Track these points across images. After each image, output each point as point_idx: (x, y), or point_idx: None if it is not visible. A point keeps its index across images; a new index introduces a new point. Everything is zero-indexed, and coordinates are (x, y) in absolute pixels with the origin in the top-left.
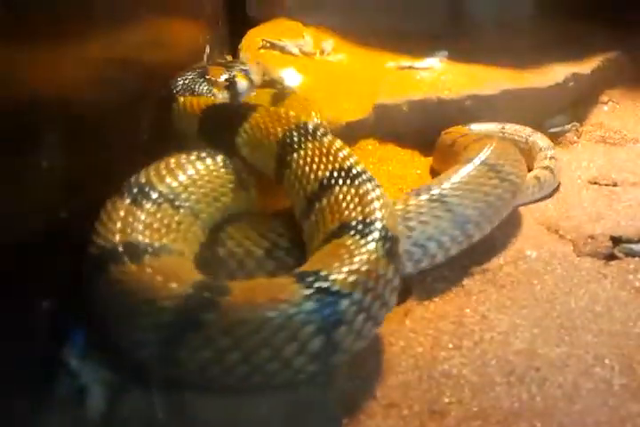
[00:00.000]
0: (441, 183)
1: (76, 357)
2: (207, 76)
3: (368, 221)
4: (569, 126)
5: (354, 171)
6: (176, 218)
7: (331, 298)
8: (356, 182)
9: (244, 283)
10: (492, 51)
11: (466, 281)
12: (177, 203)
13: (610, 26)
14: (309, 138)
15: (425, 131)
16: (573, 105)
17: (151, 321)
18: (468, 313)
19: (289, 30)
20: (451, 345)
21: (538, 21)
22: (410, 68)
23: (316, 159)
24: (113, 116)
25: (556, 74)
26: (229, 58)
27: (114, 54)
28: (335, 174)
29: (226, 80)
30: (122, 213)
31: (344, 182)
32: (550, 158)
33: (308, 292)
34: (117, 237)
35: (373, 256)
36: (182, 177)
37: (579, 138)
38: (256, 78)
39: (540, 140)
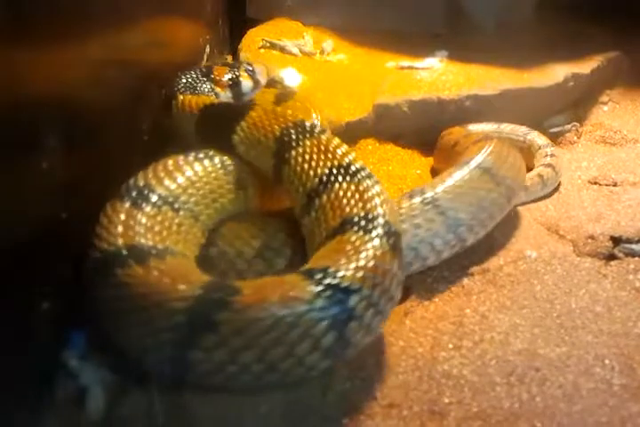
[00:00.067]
0: (434, 186)
1: (75, 358)
2: (211, 76)
3: (370, 216)
4: (569, 126)
5: (353, 167)
6: (176, 220)
7: (341, 294)
8: (356, 179)
9: (252, 282)
10: (492, 51)
11: (466, 281)
12: (176, 205)
13: (610, 26)
14: (307, 135)
15: (425, 131)
16: (573, 105)
17: (163, 323)
18: (468, 313)
19: (289, 30)
20: (451, 345)
21: (538, 21)
22: (410, 67)
23: (315, 156)
24: (113, 116)
25: (555, 74)
26: (229, 58)
27: (114, 54)
28: (334, 171)
29: (229, 80)
30: (122, 217)
31: (344, 179)
32: (551, 156)
33: (319, 289)
34: (120, 241)
35: (379, 252)
36: (181, 179)
37: (579, 138)
38: (261, 79)
39: (538, 138)
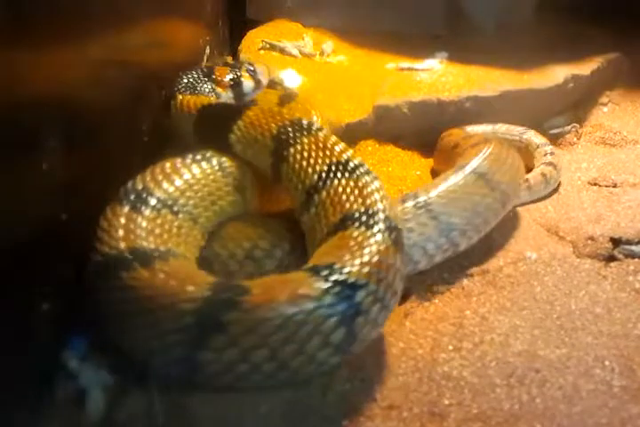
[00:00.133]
0: (428, 191)
1: (75, 358)
2: (213, 76)
3: (371, 211)
4: (569, 128)
5: (351, 164)
6: (176, 223)
7: (349, 290)
8: (355, 175)
9: (260, 281)
10: (492, 52)
11: (466, 282)
12: (175, 208)
13: (610, 27)
14: (304, 133)
15: (425, 132)
16: (573, 106)
17: (172, 325)
18: (468, 315)
19: (289, 32)
20: (451, 347)
21: (538, 23)
22: (410, 69)
23: (313, 153)
24: (113, 116)
25: (555, 75)
26: (229, 59)
27: (114, 55)
28: (333, 167)
29: (231, 80)
30: (123, 221)
31: (343, 175)
32: (551, 154)
33: (327, 285)
34: (123, 244)
35: (382, 247)
36: (179, 182)
37: (578, 139)
38: (263, 79)
39: (534, 137)
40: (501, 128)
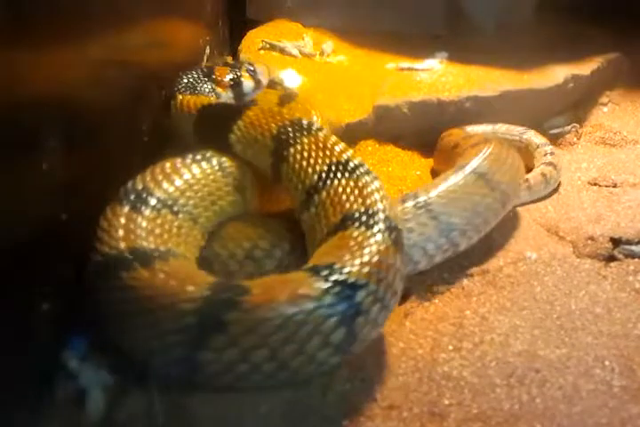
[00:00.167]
0: (428, 191)
1: (75, 358)
2: (213, 76)
3: (371, 212)
4: (569, 128)
5: (351, 164)
6: (176, 223)
7: (349, 290)
8: (355, 175)
9: (259, 281)
10: (492, 52)
11: (466, 282)
12: (175, 208)
13: (610, 27)
14: (304, 133)
15: (425, 132)
16: (573, 106)
17: (172, 325)
18: (468, 315)
19: (289, 32)
20: (451, 347)
21: (538, 23)
22: (410, 69)
23: (313, 153)
24: (113, 116)
25: (555, 75)
26: (229, 59)
27: (114, 55)
28: (333, 168)
29: (231, 80)
30: (123, 221)
31: (343, 175)
32: (551, 154)
33: (327, 285)
34: (123, 244)
35: (382, 247)
36: (179, 182)
37: (578, 139)
38: (263, 79)
39: (534, 136)
40: (501, 128)
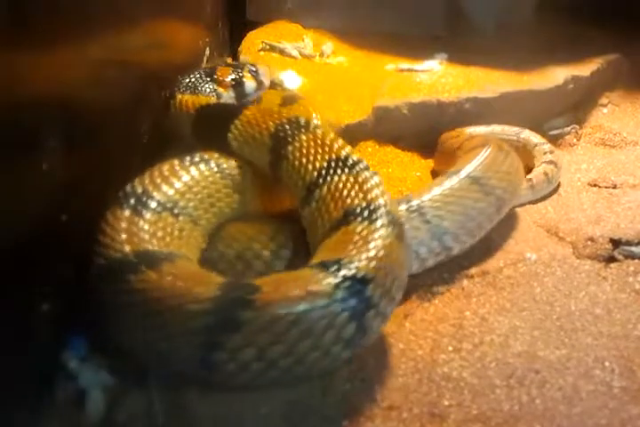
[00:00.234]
0: (421, 195)
1: (75, 359)
2: (215, 76)
3: (373, 207)
4: (568, 129)
5: (351, 160)
6: (177, 225)
7: (359, 285)
8: (355, 170)
9: (268, 279)
10: (492, 53)
11: (465, 283)
12: (176, 210)
13: (610, 28)
14: (302, 130)
15: (425, 133)
16: (573, 107)
17: (185, 327)
18: (468, 315)
19: (288, 33)
20: (450, 348)
21: (537, 24)
22: (409, 70)
23: (312, 150)
24: (113, 117)
25: (555, 76)
26: (229, 60)
27: (114, 56)
28: (333, 164)
29: (232, 80)
30: (125, 224)
31: (342, 171)
32: (550, 152)
33: (337, 280)
34: (127, 247)
35: (387, 241)
36: (178, 184)
37: (578, 140)
38: (265, 80)
39: (532, 136)
40: (497, 128)
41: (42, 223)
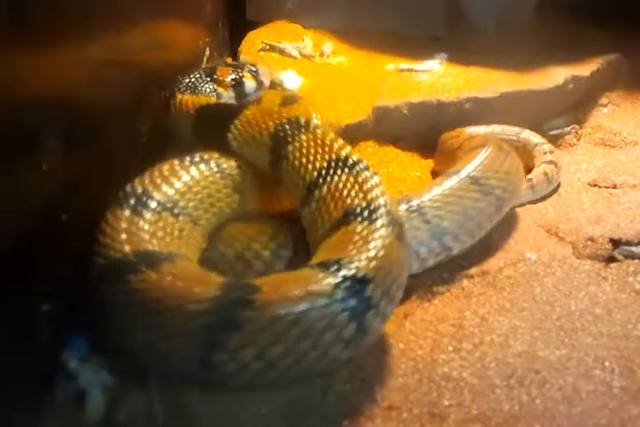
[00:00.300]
0: (421, 195)
1: (75, 359)
2: (215, 76)
3: (373, 207)
4: (568, 129)
5: (350, 160)
6: (177, 225)
7: (358, 285)
8: (355, 171)
9: (268, 279)
10: (492, 53)
11: (466, 283)
12: (176, 211)
13: (610, 28)
14: (302, 130)
15: (425, 133)
16: (573, 107)
17: (186, 326)
18: (468, 316)
19: (288, 33)
20: (450, 348)
21: (537, 24)
22: (409, 70)
23: (312, 150)
24: (113, 117)
25: (555, 76)
26: (229, 60)
27: (114, 56)
28: (333, 164)
29: (232, 80)
30: (125, 224)
31: (342, 171)
32: (550, 152)
33: (337, 280)
34: (127, 248)
35: (387, 241)
36: (178, 184)
37: (578, 140)
38: (265, 80)
39: (531, 135)
40: (497, 129)
41: (42, 223)
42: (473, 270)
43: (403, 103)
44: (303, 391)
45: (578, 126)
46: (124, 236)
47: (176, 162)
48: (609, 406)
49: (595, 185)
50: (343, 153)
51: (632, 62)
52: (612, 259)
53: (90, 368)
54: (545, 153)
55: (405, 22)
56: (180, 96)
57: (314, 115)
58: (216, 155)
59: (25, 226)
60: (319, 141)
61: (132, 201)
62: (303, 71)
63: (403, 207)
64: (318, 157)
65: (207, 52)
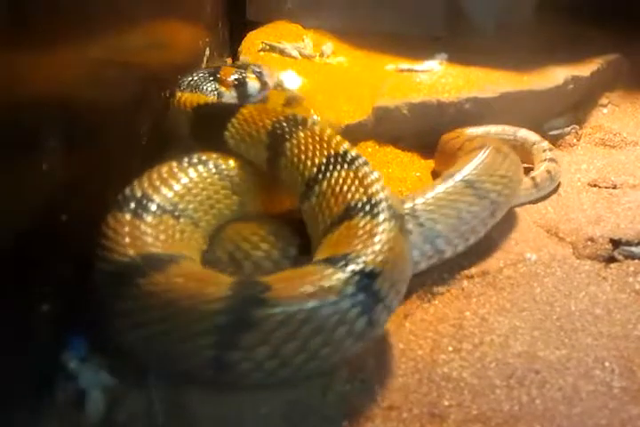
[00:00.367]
0: (415, 198)
1: (75, 359)
2: (217, 75)
3: (374, 201)
4: (568, 129)
5: (349, 155)
6: (178, 227)
7: (367, 279)
8: (354, 166)
9: (278, 276)
10: (492, 53)
11: (465, 284)
12: (176, 213)
13: (610, 29)
14: (300, 127)
15: (425, 133)
16: (573, 108)
17: (200, 327)
18: (468, 316)
19: (289, 33)
20: (450, 348)
21: (537, 24)
22: (409, 70)
23: (311, 146)
24: (113, 117)
25: (555, 77)
26: (229, 61)
27: (114, 56)
28: (332, 159)
29: (235, 80)
30: (127, 228)
31: (342, 166)
32: (550, 149)
33: (347, 275)
34: (132, 251)
35: (392, 234)
36: (177, 186)
37: (578, 140)
38: (269, 81)
39: (528, 134)
40: (494, 129)
41: (42, 223)
42: (473, 271)
43: (403, 103)
44: (303, 391)
45: (578, 126)
46: (127, 240)
47: (174, 164)
48: (609, 406)
49: (595, 185)
50: (342, 148)
51: (632, 62)
52: (612, 259)
53: (90, 368)
54: (544, 151)
55: (405, 22)
56: (179, 94)
57: (314, 115)
58: (214, 155)
59: (25, 226)
60: (317, 138)
61: (133, 204)
62: (303, 71)
63: None
64: (317, 152)
65: (207, 53)
